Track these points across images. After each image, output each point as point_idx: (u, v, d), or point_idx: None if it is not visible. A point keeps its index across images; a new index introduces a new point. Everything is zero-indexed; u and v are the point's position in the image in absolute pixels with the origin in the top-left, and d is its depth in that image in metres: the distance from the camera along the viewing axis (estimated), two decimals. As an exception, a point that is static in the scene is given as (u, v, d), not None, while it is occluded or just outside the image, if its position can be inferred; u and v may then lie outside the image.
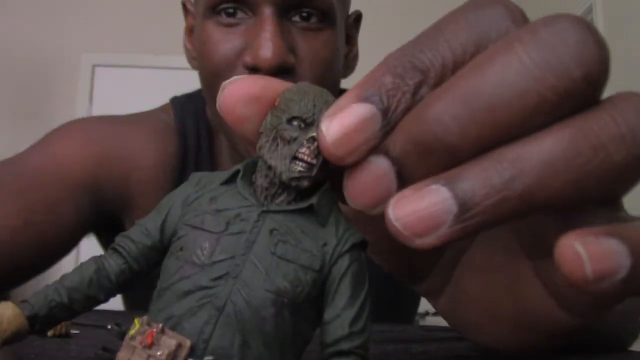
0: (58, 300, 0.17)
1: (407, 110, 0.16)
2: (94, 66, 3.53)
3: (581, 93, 0.15)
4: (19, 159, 0.59)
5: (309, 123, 0.17)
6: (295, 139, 0.17)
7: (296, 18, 0.52)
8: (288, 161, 0.17)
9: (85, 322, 0.39)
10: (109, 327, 0.18)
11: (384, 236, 0.23)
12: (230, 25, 0.52)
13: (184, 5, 0.63)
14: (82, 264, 0.18)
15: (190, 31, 0.62)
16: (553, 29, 0.15)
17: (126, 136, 0.62)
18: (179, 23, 0.63)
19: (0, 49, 3.45)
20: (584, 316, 0.19)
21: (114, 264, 0.18)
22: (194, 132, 0.64)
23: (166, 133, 0.63)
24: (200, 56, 0.56)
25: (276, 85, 0.18)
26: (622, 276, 0.14)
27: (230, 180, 0.18)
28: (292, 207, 0.17)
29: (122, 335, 0.17)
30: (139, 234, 0.18)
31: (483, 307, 0.23)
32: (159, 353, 0.16)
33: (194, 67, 0.60)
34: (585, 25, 0.15)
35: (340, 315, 0.17)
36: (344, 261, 0.17)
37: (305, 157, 0.17)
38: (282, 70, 0.49)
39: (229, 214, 0.17)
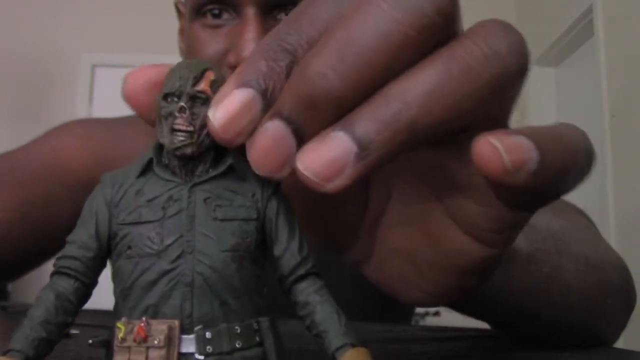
0: (38, 337, 0.18)
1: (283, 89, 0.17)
2: (93, 66, 3.53)
3: (438, 26, 0.17)
4: (19, 153, 0.60)
5: (178, 95, 0.18)
6: (170, 113, 0.18)
7: (281, 16, 0.52)
8: (170, 135, 0.18)
9: (85, 322, 0.39)
10: (90, 342, 0.19)
11: (309, 206, 0.25)
12: (215, 27, 0.52)
13: (177, 7, 0.63)
14: (39, 297, 0.19)
15: (183, 32, 0.62)
16: None
17: (125, 137, 0.62)
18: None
19: (0, 49, 3.45)
20: (494, 244, 0.22)
21: (67, 286, 0.19)
22: None
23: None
24: (188, 57, 0.56)
25: None
26: (534, 168, 0.16)
27: (146, 170, 0.19)
28: (214, 173, 0.19)
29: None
30: (78, 249, 0.19)
31: (406, 259, 0.24)
32: (156, 341, 0.17)
33: None
34: None
35: (288, 247, 0.19)
36: (273, 203, 0.19)
37: (181, 127, 0.18)
38: None
39: (161, 200, 0.18)
